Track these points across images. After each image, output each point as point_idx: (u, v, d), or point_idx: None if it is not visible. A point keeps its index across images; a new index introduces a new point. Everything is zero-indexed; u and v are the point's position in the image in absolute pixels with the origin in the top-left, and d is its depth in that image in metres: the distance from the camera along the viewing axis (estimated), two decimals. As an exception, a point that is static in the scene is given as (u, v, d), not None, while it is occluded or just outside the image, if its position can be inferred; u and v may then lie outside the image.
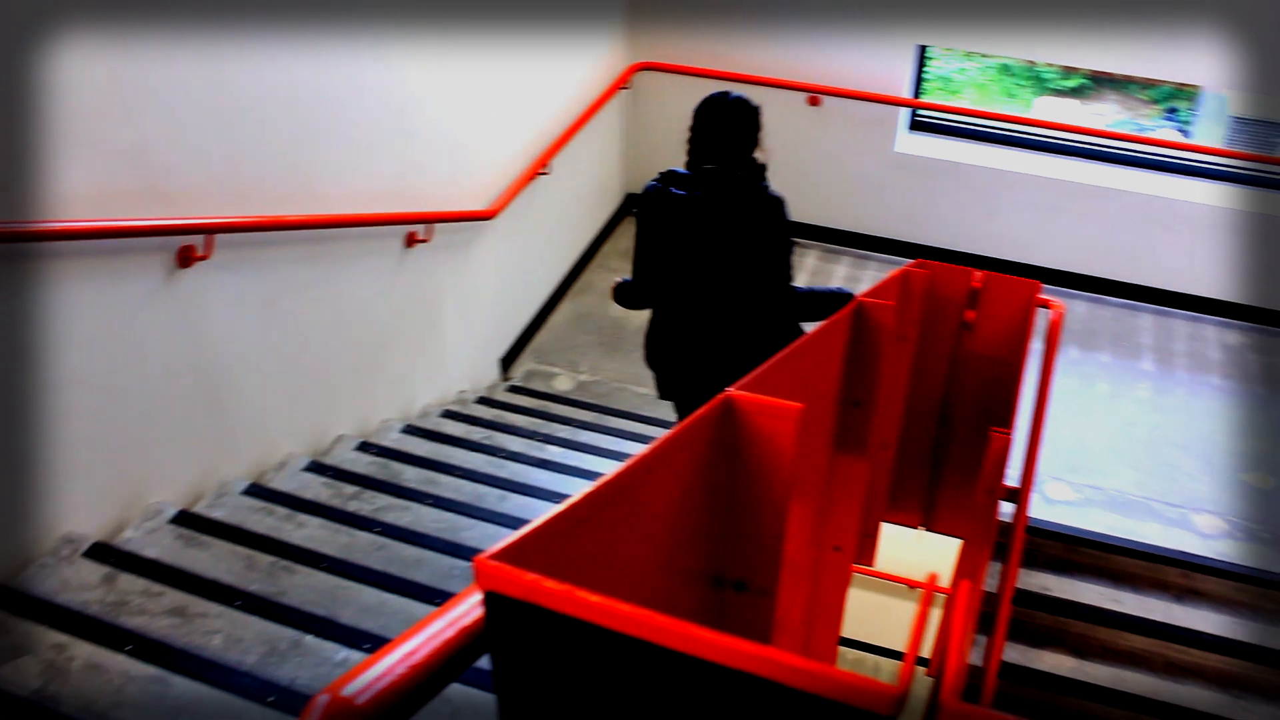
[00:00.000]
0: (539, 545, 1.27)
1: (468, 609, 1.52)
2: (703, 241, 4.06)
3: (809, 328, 3.04)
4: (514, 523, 4.29)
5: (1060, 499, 5.79)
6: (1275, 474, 6.08)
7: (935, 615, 5.91)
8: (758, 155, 4.09)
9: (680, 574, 1.95)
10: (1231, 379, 6.86)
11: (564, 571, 1.37)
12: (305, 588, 3.62)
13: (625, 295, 4.37)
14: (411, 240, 5.09)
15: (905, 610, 6.04)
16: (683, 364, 4.33)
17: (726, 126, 4.03)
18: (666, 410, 6.34)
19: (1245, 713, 5.12)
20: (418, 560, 3.97)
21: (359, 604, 3.61)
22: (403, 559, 3.99)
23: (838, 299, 4.22)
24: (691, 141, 4.13)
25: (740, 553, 2.06)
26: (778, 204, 4.04)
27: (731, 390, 1.83)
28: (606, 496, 1.44)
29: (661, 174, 4.22)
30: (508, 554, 1.19)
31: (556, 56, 6.52)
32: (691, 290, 4.15)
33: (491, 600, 1.18)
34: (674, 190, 4.11)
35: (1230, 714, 5.11)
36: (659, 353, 4.35)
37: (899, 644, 6.21)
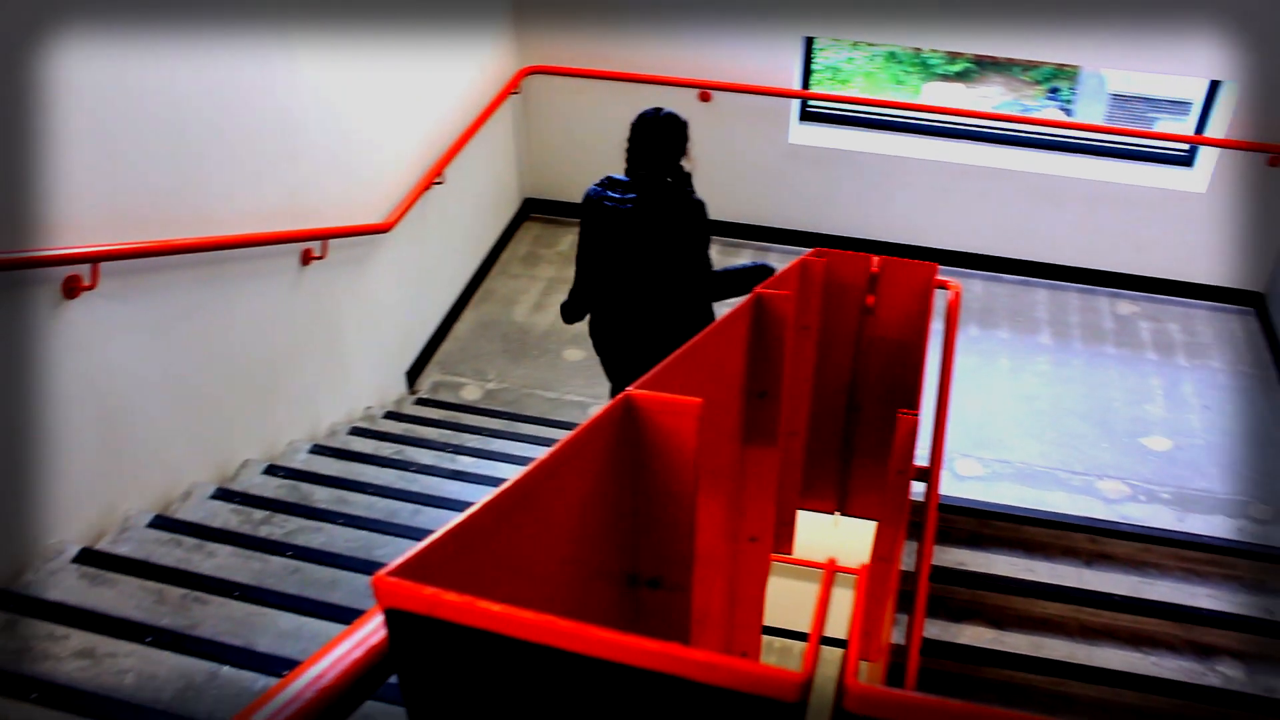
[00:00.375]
0: (441, 558, 1.25)
1: (375, 628, 1.50)
2: (633, 239, 4.68)
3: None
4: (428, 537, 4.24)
5: (970, 475, 5.88)
6: (1171, 436, 6.23)
7: (842, 597, 5.97)
8: (685, 164, 4.70)
9: (593, 575, 1.94)
10: (1125, 347, 7.02)
11: (469, 582, 1.35)
12: (219, 618, 3.55)
13: (568, 311, 4.93)
14: (307, 257, 5.02)
15: (841, 598, 6.09)
16: (619, 349, 5.00)
17: (655, 139, 4.61)
18: (578, 413, 6.33)
19: (1157, 668, 5.25)
20: (333, 581, 3.91)
21: (275, 630, 3.54)
22: (318, 581, 3.93)
23: (755, 273, 4.87)
24: (628, 152, 4.70)
25: (652, 550, 2.05)
26: (699, 207, 4.67)
27: (631, 389, 1.82)
28: (509, 503, 1.42)
29: (601, 180, 4.75)
30: (407, 569, 1.17)
31: (445, 64, 6.47)
32: (623, 283, 4.77)
33: (393, 617, 1.15)
34: (609, 194, 4.69)
35: (1143, 671, 5.24)
36: (599, 340, 5.02)
37: (830, 629, 6.27)
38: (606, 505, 1.87)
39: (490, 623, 1.07)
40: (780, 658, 6.00)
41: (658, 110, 4.65)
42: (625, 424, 1.82)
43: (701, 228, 4.70)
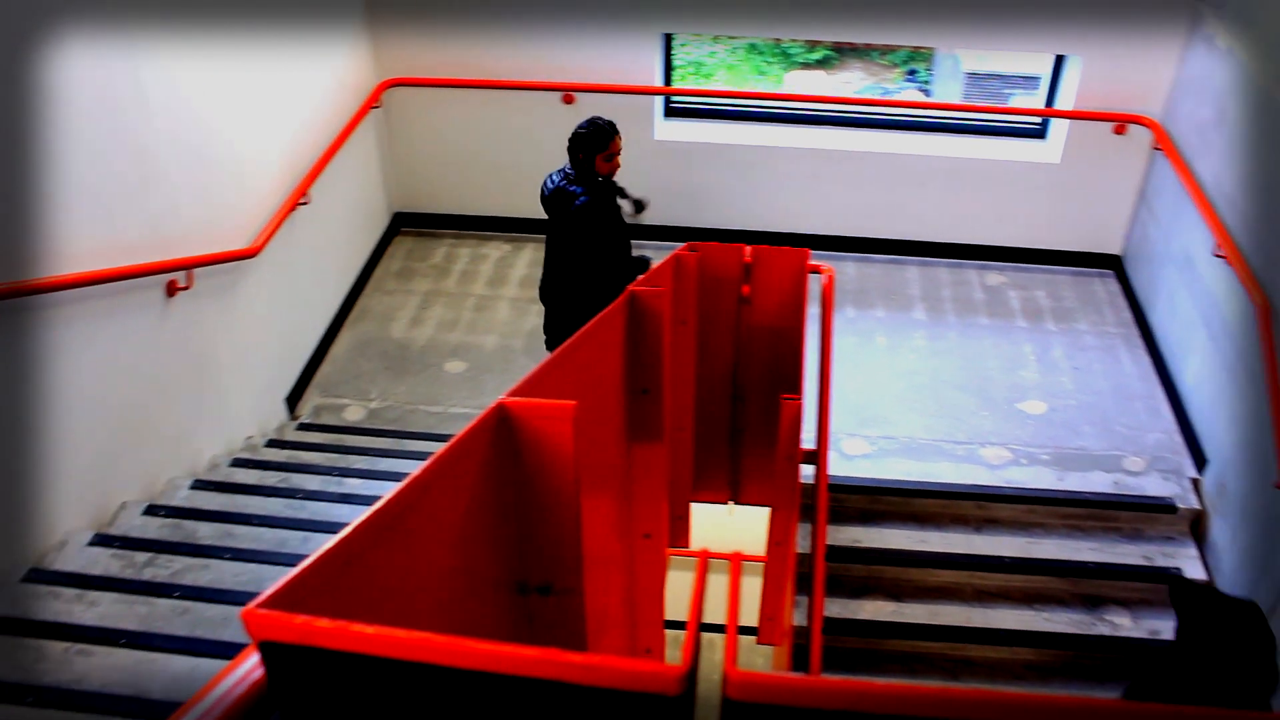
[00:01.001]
0: (314, 585, 1.22)
1: (256, 663, 1.46)
2: (551, 229, 5.62)
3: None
4: (321, 563, 4.15)
5: (857, 453, 5.96)
6: (1046, 399, 6.39)
7: (718, 585, 6.01)
8: (600, 165, 5.42)
9: (481, 587, 1.91)
10: (996, 317, 7.18)
11: (348, 607, 1.32)
12: (106, 669, 3.43)
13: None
14: (172, 289, 4.88)
15: (747, 586, 6.12)
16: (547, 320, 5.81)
17: (570, 144, 5.41)
18: (464, 426, 6.26)
19: (1049, 623, 5.40)
20: (224, 618, 3.81)
21: (169, 675, 3.44)
22: (209, 620, 3.83)
23: (637, 264, 5.52)
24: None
25: (539, 557, 2.04)
26: (586, 203, 5.34)
27: (504, 397, 1.80)
28: (382, 523, 1.40)
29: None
30: (279, 600, 1.14)
31: (302, 81, 6.35)
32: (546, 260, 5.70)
33: (267, 650, 1.12)
34: (544, 189, 5.58)
35: (1036, 628, 5.37)
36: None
37: (743, 619, 6.30)
38: (488, 515, 1.85)
39: (365, 646, 1.04)
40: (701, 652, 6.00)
41: (587, 120, 5.42)
42: (501, 433, 1.80)
43: (589, 218, 5.36)
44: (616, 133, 5.42)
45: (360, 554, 1.35)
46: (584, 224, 5.37)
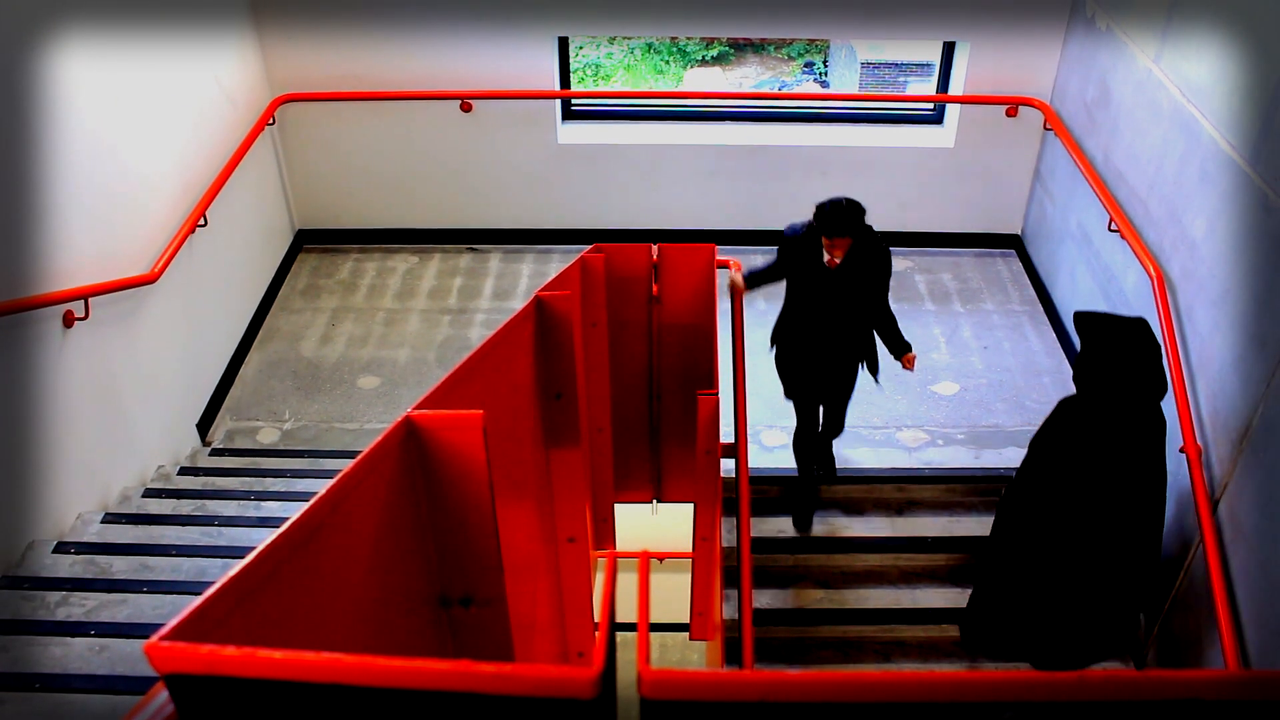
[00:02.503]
0: (220, 613, 1.19)
1: (167, 698, 1.42)
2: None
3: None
4: (242, 590, 4.07)
5: (776, 444, 5.99)
6: (958, 380, 6.48)
7: (660, 584, 6.00)
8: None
9: (400, 602, 1.88)
10: (904, 301, 7.25)
11: (258, 632, 1.29)
12: (22, 716, 3.33)
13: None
14: (69, 319, 4.76)
15: (677, 583, 6.12)
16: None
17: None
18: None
19: (975, 603, 5.46)
20: (144, 655, 3.72)
21: (87, 717, 3.35)
22: (128, 656, 3.74)
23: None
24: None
25: (458, 569, 2.01)
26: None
27: (411, 410, 1.78)
28: (290, 545, 1.37)
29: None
30: (183, 630, 1.11)
31: (193, 103, 6.24)
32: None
33: (173, 683, 1.09)
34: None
35: (962, 603, 5.43)
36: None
37: (677, 616, 6.29)
38: (403, 530, 1.82)
39: (274, 671, 1.02)
40: (631, 651, 6.00)
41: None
42: (410, 446, 1.78)
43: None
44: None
45: (269, 578, 1.32)
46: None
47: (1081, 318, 4.17)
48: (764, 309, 7.15)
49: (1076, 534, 4.31)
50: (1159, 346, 4.03)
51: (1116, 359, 4.00)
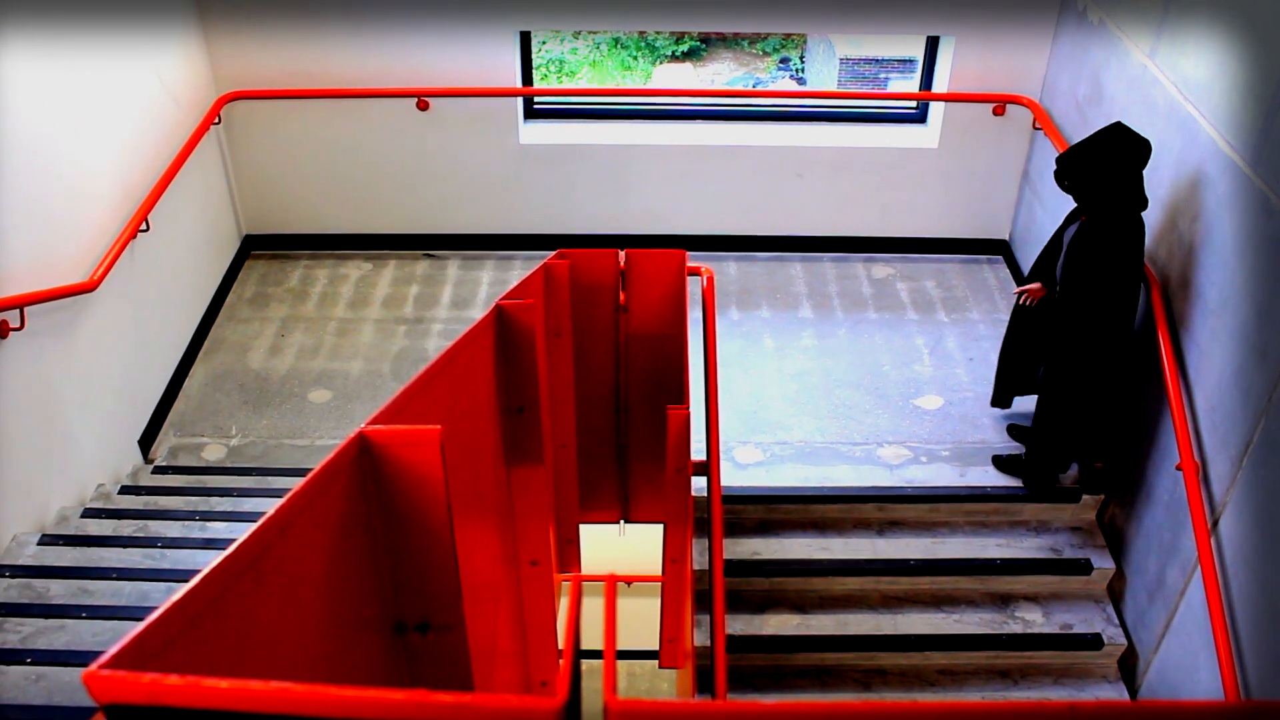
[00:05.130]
0: (162, 640, 1.19)
1: (107, 729, 1.42)
2: None
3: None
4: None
5: (750, 462, 6.01)
6: (942, 393, 6.52)
7: (628, 609, 6.01)
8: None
9: (353, 628, 1.89)
10: (886, 311, 7.31)
11: (205, 659, 1.30)
12: (-50, 749, 3.32)
13: None
14: (4, 330, 4.74)
15: (646, 608, 6.13)
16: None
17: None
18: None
19: (960, 625, 5.51)
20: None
21: (20, 751, 3.34)
22: (66, 685, 3.72)
23: None
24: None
25: (415, 593, 2.02)
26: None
27: (364, 426, 1.79)
28: (237, 568, 1.37)
29: None
30: (123, 658, 1.11)
31: (134, 101, 6.22)
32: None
33: (113, 713, 1.10)
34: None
35: (947, 630, 5.48)
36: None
37: (646, 643, 6.29)
38: (356, 553, 1.83)
39: (219, 701, 1.02)
40: (597, 679, 5.99)
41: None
42: (363, 464, 1.79)
43: None
44: None
45: (214, 603, 1.33)
46: None
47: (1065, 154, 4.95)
48: (737, 319, 7.19)
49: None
50: (1146, 143, 4.79)
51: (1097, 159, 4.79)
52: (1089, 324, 5.06)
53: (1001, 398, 6.11)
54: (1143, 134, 4.98)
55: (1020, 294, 5.63)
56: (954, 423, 6.31)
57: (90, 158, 5.67)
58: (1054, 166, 5.02)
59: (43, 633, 4.09)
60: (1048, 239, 5.63)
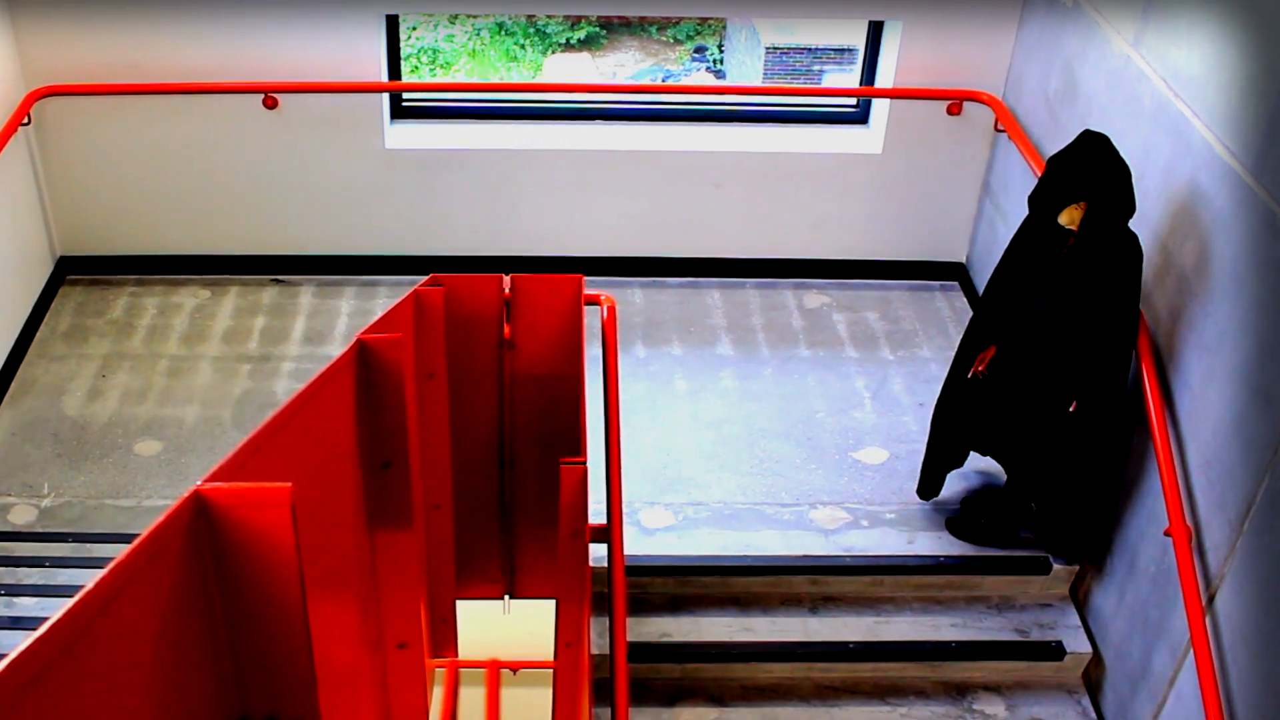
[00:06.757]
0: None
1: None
2: None
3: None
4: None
5: (659, 526, 6.04)
6: (887, 445, 6.61)
7: (513, 697, 6.03)
8: None
9: (186, 725, 1.91)
10: (820, 347, 7.39)
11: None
12: None
13: None
14: None
15: (535, 700, 6.12)
16: None
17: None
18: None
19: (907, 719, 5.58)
20: None
21: None
22: None
23: None
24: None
25: (261, 681, 2.05)
26: None
27: (201, 484, 1.82)
28: (51, 649, 1.40)
29: None
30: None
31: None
32: None
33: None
34: None
35: (892, 725, 5.56)
36: None
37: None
38: (191, 633, 1.86)
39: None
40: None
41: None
42: (199, 528, 1.81)
43: None
44: None
45: (23, 692, 1.36)
46: None
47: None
48: (644, 356, 7.25)
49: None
50: (1118, 158, 4.87)
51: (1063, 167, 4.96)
52: (1125, 359, 5.16)
53: (932, 485, 6.09)
54: (1125, 138, 5.10)
55: (978, 365, 5.63)
56: (900, 479, 6.37)
57: None
58: (1039, 184, 5.10)
59: None
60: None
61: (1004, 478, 5.85)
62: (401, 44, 7.64)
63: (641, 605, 5.77)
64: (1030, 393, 5.40)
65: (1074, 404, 5.24)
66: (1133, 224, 5.02)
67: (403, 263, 7.85)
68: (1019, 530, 5.87)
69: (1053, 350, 5.24)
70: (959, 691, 5.72)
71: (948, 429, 5.85)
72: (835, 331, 7.55)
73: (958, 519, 6.02)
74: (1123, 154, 4.88)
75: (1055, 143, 6.45)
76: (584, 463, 4.16)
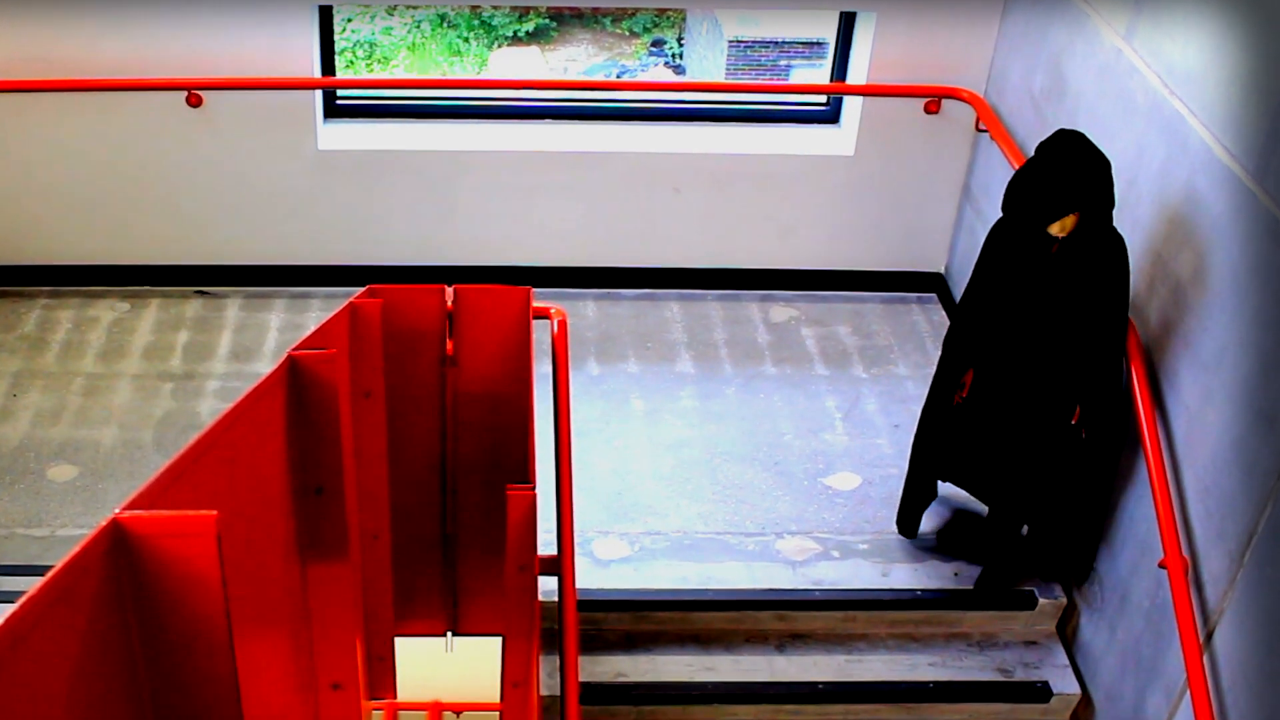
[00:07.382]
0: None
1: None
2: None
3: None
4: None
5: (613, 557, 6.03)
6: (860, 470, 6.61)
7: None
8: None
9: (103, 774, 1.91)
10: (788, 364, 7.39)
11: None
12: None
13: None
14: None
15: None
16: None
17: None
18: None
19: (882, 765, 5.60)
20: None
21: None
22: None
23: None
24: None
25: (183, 726, 2.05)
26: None
27: (119, 512, 1.82)
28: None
29: None
30: None
31: None
32: None
33: None
34: None
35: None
36: None
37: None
38: (108, 672, 1.85)
39: None
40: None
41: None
42: (118, 560, 1.81)
43: None
44: None
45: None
46: None
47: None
48: (597, 374, 7.25)
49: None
50: (1100, 155, 4.89)
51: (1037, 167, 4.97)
52: (1121, 359, 5.21)
53: (914, 521, 6.12)
54: (1116, 138, 5.13)
55: (959, 392, 5.66)
56: (874, 507, 6.38)
57: None
58: (1026, 196, 5.01)
59: None
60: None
61: (978, 508, 5.87)
62: (336, 37, 7.62)
63: (594, 643, 5.76)
64: (1026, 408, 5.37)
65: (1076, 412, 5.25)
66: (1124, 231, 5.04)
67: (337, 273, 7.83)
68: (1019, 558, 5.85)
69: (1045, 358, 5.24)
70: (937, 736, 5.75)
71: (930, 459, 5.86)
72: (804, 347, 7.55)
73: (985, 577, 5.95)
74: (1114, 155, 4.88)
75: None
76: (533, 489, 4.16)
